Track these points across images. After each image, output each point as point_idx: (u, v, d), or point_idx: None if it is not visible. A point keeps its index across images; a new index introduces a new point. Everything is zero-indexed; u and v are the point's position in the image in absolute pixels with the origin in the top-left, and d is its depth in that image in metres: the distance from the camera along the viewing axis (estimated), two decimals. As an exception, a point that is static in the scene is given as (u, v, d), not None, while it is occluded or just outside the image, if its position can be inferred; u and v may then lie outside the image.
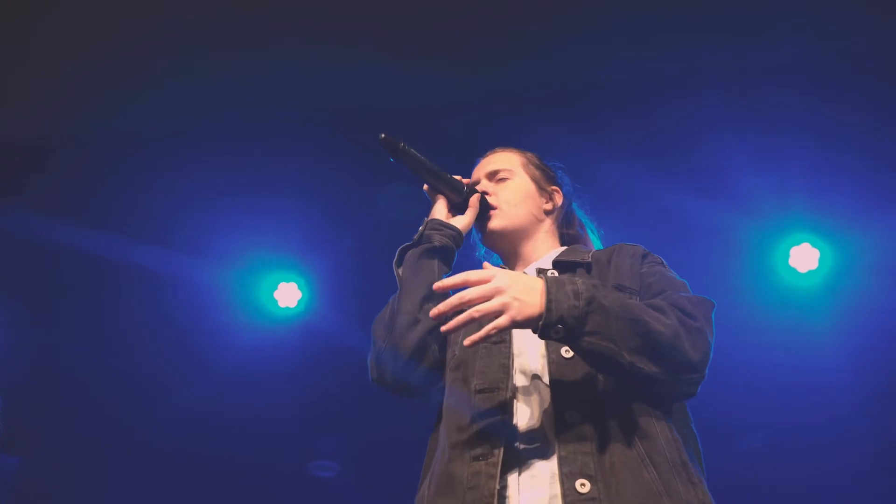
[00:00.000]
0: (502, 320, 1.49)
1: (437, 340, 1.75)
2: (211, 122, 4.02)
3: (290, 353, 4.26)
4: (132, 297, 4.26)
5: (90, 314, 4.31)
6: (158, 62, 3.76)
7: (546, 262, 1.92)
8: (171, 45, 3.68)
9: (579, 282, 1.54)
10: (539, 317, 1.50)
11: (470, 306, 1.51)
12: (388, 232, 3.97)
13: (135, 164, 4.04)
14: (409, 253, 1.86)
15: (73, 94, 3.90)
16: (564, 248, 1.99)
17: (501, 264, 2.01)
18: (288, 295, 4.24)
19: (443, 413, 1.70)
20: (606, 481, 1.49)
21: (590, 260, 1.86)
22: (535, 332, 1.53)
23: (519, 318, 1.50)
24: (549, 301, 1.49)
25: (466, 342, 1.54)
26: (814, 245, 4.01)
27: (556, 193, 2.05)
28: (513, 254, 1.97)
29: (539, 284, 1.53)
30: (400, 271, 1.84)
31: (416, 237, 1.88)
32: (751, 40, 3.68)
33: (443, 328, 1.54)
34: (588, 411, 1.57)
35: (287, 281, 4.23)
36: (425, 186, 1.99)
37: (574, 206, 2.10)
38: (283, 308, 4.25)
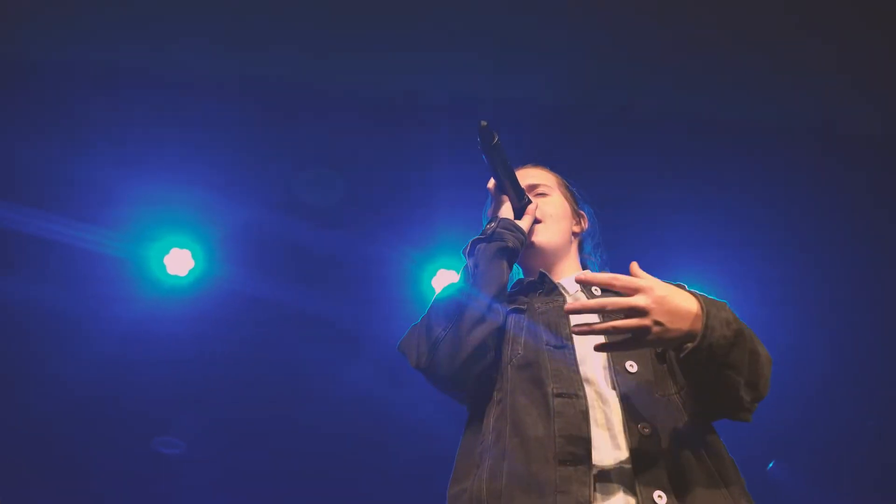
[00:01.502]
0: (644, 341, 1.49)
1: (496, 340, 1.71)
2: (92, 57, 3.57)
3: (168, 325, 4.01)
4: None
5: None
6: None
7: None
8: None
9: (729, 309, 1.54)
10: (685, 338, 1.49)
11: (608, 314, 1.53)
12: (297, 210, 3.95)
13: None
14: (483, 246, 1.80)
15: None
16: (585, 271, 2.01)
17: (522, 277, 1.99)
18: (179, 263, 3.95)
19: (508, 411, 1.63)
20: (681, 496, 1.50)
21: None
22: (676, 351, 1.52)
23: (656, 342, 1.49)
24: (706, 328, 1.48)
25: (574, 331, 1.54)
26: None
27: (583, 218, 2.09)
28: (542, 268, 1.95)
29: (693, 307, 1.50)
30: (472, 262, 1.79)
31: (488, 231, 1.83)
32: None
33: (574, 329, 1.53)
34: (658, 426, 1.57)
35: (181, 247, 3.95)
36: (491, 184, 1.96)
37: (589, 233, 2.13)
38: (171, 276, 3.97)
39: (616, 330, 1.49)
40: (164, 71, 3.66)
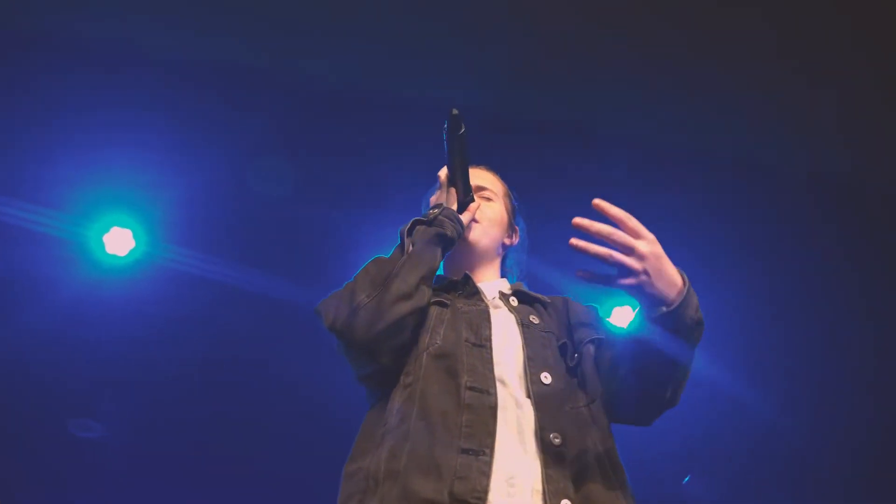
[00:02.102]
0: (626, 282, 1.55)
1: (415, 320, 1.76)
2: (29, 30, 3.41)
3: (106, 307, 3.95)
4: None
5: None
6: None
7: (503, 287, 2.01)
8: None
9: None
10: (659, 301, 1.57)
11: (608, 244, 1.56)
12: (241, 190, 3.90)
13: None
14: (422, 228, 1.87)
15: None
16: (503, 279, 2.09)
17: (442, 273, 2.05)
18: (119, 242, 3.88)
19: (417, 395, 1.68)
20: None
21: (549, 301, 1.98)
22: (647, 308, 1.60)
23: (635, 288, 1.56)
24: (684, 299, 1.57)
25: (573, 242, 1.56)
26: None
27: (516, 232, 2.17)
28: (466, 268, 2.01)
29: (679, 281, 1.59)
30: (409, 241, 1.84)
31: (430, 216, 1.89)
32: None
33: (572, 241, 1.54)
34: (568, 437, 1.65)
35: (122, 226, 3.87)
36: (443, 173, 2.03)
37: (517, 249, 2.20)
38: (109, 255, 3.89)
39: (610, 258, 1.54)
40: (107, 46, 3.58)
